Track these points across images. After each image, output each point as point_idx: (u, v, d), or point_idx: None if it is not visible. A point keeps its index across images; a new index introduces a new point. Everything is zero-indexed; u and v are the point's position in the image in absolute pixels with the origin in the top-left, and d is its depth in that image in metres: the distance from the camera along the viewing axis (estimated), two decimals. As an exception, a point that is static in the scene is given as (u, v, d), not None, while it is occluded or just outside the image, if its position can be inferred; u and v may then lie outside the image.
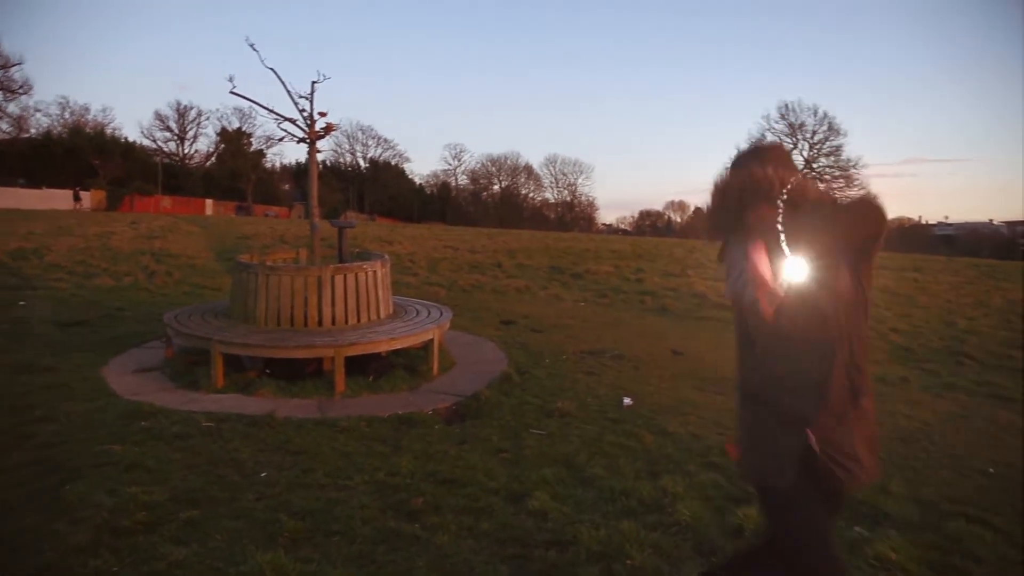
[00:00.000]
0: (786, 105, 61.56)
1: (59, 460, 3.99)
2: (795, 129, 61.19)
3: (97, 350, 6.73)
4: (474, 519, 3.40)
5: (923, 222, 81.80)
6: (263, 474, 3.92)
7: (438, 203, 77.48)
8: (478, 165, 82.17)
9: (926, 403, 6.08)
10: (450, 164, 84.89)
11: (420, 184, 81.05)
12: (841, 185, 60.47)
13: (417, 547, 3.14)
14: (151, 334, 7.46)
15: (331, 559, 3.00)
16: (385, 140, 76.99)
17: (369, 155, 75.90)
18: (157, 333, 7.33)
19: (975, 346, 8.56)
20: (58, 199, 42.24)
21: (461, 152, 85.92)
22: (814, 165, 61.12)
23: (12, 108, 52.45)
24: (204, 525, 3.28)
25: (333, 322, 5.97)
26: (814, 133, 60.70)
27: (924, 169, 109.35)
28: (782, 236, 1.85)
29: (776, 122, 62.09)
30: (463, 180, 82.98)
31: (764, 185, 1.94)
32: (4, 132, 52.56)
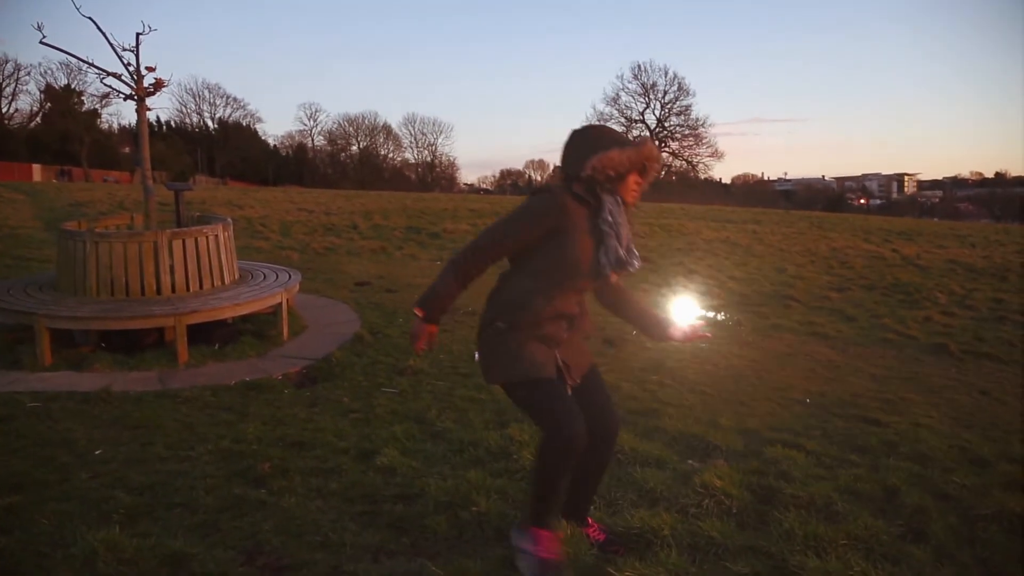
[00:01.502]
0: (639, 66, 63.57)
1: None
2: (647, 89, 63.37)
3: (-99, 332, 6.07)
4: (323, 480, 3.39)
5: (765, 178, 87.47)
6: (97, 451, 3.72)
7: (294, 165, 74.69)
8: (335, 126, 79.66)
9: (756, 343, 6.59)
10: (306, 124, 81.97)
11: (274, 145, 77.72)
12: (691, 143, 63.45)
13: (263, 512, 3.10)
14: (-33, 312, 6.81)
15: (171, 531, 2.91)
16: (235, 99, 73.05)
17: (218, 115, 71.82)
18: (-26, 311, 6.69)
19: (801, 290, 9.33)
20: None
21: (317, 112, 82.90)
22: (666, 124, 63.61)
23: None
24: (28, 510, 3.08)
25: (173, 290, 5.69)
26: (665, 93, 63.13)
27: (766, 128, 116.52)
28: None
29: (629, 82, 64.07)
30: (320, 141, 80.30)
31: (638, 160, 2.43)
32: None
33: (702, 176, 64.98)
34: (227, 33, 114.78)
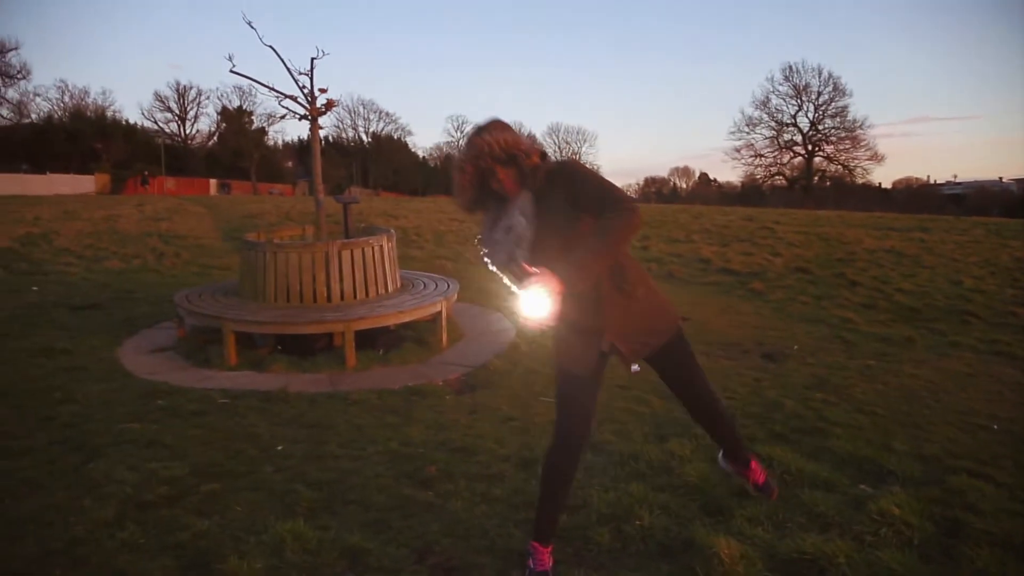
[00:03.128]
0: (790, 66, 60.61)
1: (81, 439, 4.09)
2: (799, 91, 60.37)
3: (111, 332, 6.83)
4: (487, 485, 3.49)
5: (931, 182, 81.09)
6: (279, 447, 4.01)
7: (442, 176, 77.13)
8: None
9: (931, 362, 6.13)
10: (453, 136, 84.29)
11: (424, 157, 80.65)
12: (847, 146, 59.93)
13: (431, 513, 3.23)
14: (162, 315, 7.56)
15: (348, 526, 3.10)
16: (387, 114, 76.32)
17: (371, 129, 75.33)
18: (168, 314, 7.42)
19: (981, 305, 8.59)
20: (61, 184, 42.40)
21: (463, 124, 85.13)
22: (819, 127, 60.46)
23: (11, 94, 52.45)
24: (224, 497, 3.38)
25: (342, 297, 6.05)
26: (819, 94, 59.85)
27: (931, 128, 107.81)
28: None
29: (780, 84, 61.25)
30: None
31: (487, 150, 2.46)
32: (4, 118, 52.58)
33: (860, 181, 61.24)
34: (379, 50, 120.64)
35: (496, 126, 2.54)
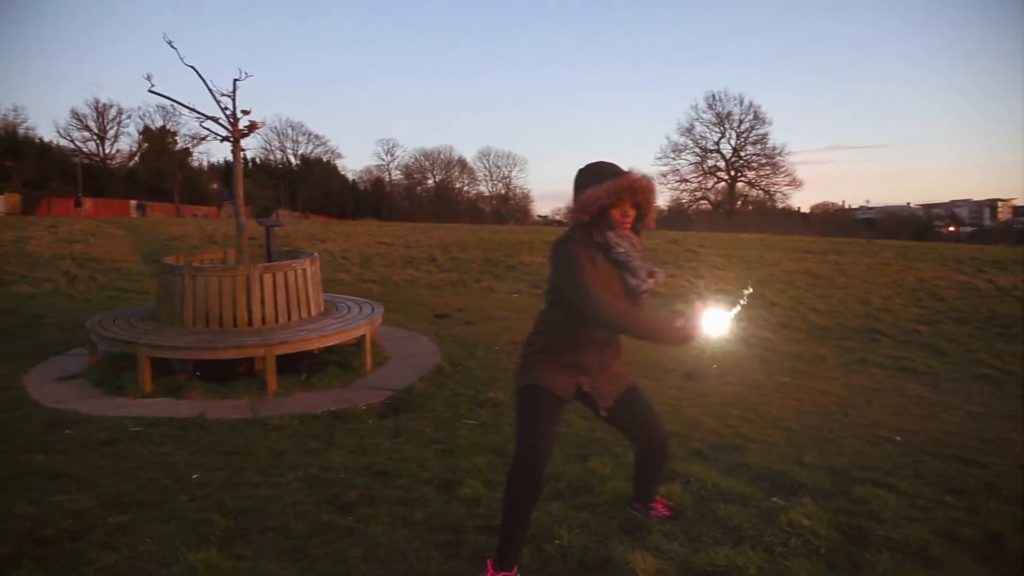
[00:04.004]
0: (713, 95, 62.94)
1: (-22, 473, 3.88)
2: (722, 118, 62.66)
3: (16, 360, 6.52)
4: (408, 509, 3.46)
5: (846, 206, 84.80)
6: (195, 476, 3.90)
7: (372, 199, 76.64)
8: (411, 160, 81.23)
9: (841, 378, 6.40)
10: (383, 159, 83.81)
11: (353, 180, 79.93)
12: (767, 172, 62.31)
13: (351, 539, 3.18)
14: (74, 341, 7.26)
15: (265, 555, 3.03)
16: (316, 136, 75.56)
17: (300, 152, 74.47)
18: (81, 340, 7.12)
19: (888, 323, 9.02)
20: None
21: (394, 147, 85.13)
22: (741, 153, 62.68)
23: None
24: (134, 529, 3.26)
25: (263, 321, 5.93)
26: (741, 122, 62.30)
27: (845, 155, 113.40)
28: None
29: (704, 112, 63.54)
30: (397, 175, 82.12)
31: (648, 197, 2.70)
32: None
33: (780, 205, 63.63)
34: (307, 73, 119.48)
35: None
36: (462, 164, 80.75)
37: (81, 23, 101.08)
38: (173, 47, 6.66)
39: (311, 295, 6.36)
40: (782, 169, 61.98)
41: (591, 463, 4.00)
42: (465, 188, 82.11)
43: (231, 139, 6.54)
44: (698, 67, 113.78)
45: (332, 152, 76.90)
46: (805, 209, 70.75)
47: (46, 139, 57.87)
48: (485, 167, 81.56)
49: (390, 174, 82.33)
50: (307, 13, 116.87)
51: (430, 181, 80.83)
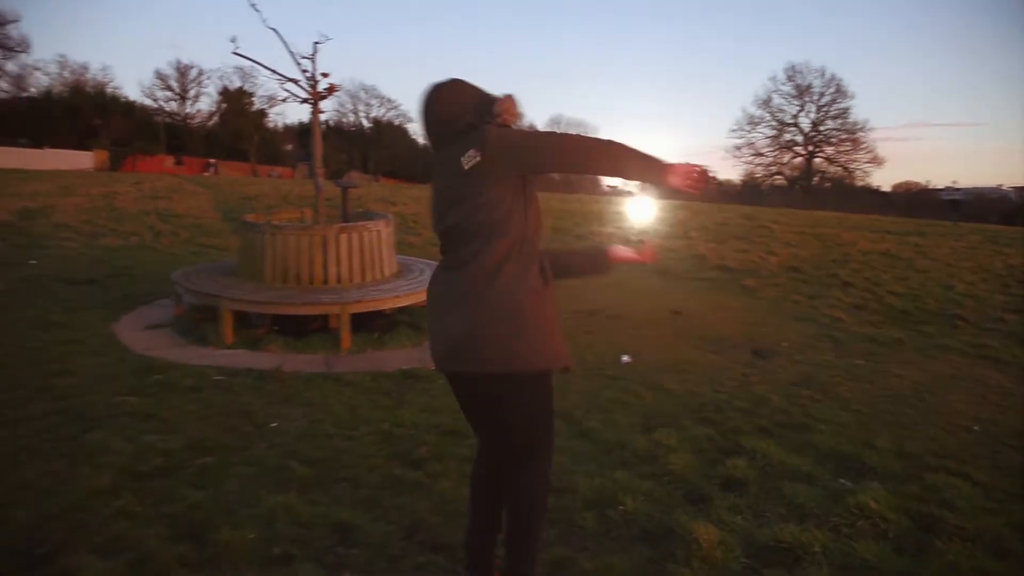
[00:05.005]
0: (793, 67, 60.74)
1: (78, 411, 4.15)
2: (802, 91, 60.45)
3: (107, 307, 6.88)
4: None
5: (930, 187, 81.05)
6: (273, 424, 4.09)
7: (441, 164, 76.91)
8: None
9: (918, 363, 6.22)
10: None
11: (424, 144, 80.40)
12: (848, 148, 60.05)
13: (420, 492, 3.30)
14: (159, 292, 7.61)
15: (339, 502, 3.17)
16: (388, 100, 76.03)
17: (372, 115, 75.17)
18: (165, 291, 7.47)
19: (971, 309, 8.68)
20: (60, 159, 42.35)
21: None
22: (820, 128, 60.52)
23: (11, 67, 52.27)
24: (218, 471, 3.45)
25: (339, 280, 6.11)
26: (821, 95, 59.95)
27: (931, 133, 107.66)
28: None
29: (783, 84, 61.34)
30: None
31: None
32: (4, 91, 52.46)
33: (859, 183, 61.34)
34: (382, 36, 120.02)
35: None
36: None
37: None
38: (256, 10, 6.83)
39: (385, 256, 6.50)
40: (863, 145, 59.60)
41: (656, 434, 4.03)
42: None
43: (310, 101, 6.68)
44: (778, 38, 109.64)
45: (404, 116, 77.44)
46: (886, 188, 67.87)
47: (131, 98, 59.89)
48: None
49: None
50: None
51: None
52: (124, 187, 20.77)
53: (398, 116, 76.13)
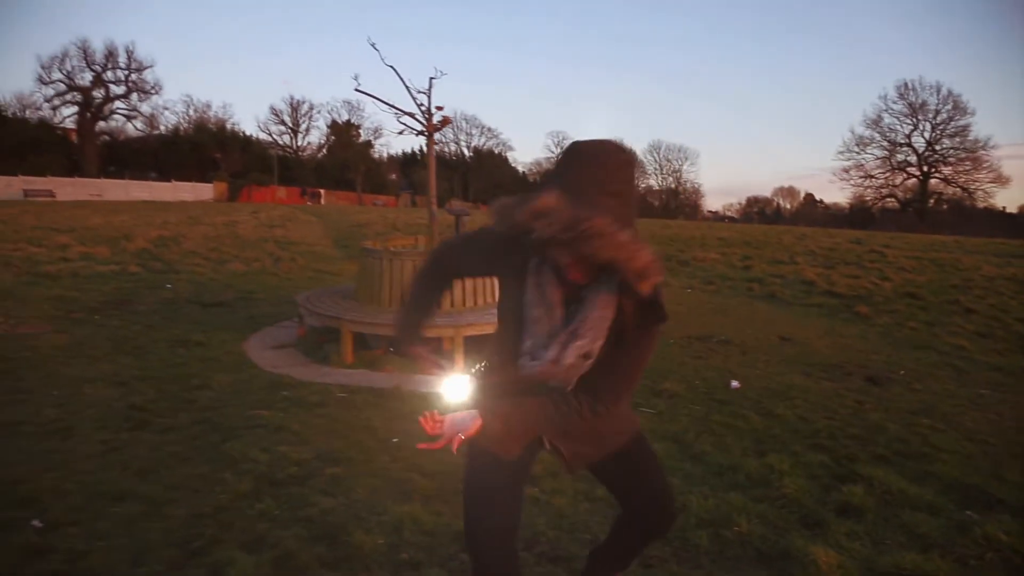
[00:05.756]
0: (905, 84, 58.17)
1: (218, 422, 4.52)
2: (915, 109, 57.81)
3: (237, 328, 7.39)
4: (589, 486, 3.65)
5: (1065, 208, 75.55)
6: (394, 439, 4.31)
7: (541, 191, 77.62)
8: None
9: (1050, 395, 5.90)
10: (552, 152, 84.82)
11: (523, 172, 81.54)
12: (967, 167, 56.86)
13: (537, 508, 3.43)
14: (282, 315, 8.10)
15: (459, 514, 3.32)
16: (488, 129, 77.85)
17: (473, 144, 76.97)
18: (288, 314, 7.97)
19: (1109, 338, 8.13)
20: (185, 191, 45.49)
21: (563, 140, 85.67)
22: (936, 147, 57.61)
23: (145, 108, 56.82)
24: (347, 481, 3.69)
25: (452, 304, 6.36)
26: (937, 113, 57.09)
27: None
28: None
29: (894, 102, 58.90)
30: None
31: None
32: (139, 130, 56.98)
33: (981, 204, 57.89)
34: (482, 67, 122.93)
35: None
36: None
37: (273, 23, 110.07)
38: (376, 49, 7.24)
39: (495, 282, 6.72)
40: (985, 164, 56.21)
41: (768, 458, 4.02)
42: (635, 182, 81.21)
43: (426, 133, 7.02)
44: (886, 54, 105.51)
45: (503, 144, 78.98)
46: (1012, 209, 63.69)
47: (248, 133, 63.73)
48: (655, 160, 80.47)
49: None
50: (484, 10, 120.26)
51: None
52: (243, 216, 22.10)
53: (498, 144, 77.71)
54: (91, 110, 54.21)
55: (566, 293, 1.73)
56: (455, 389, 1.90)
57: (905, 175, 59.79)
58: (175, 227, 17.97)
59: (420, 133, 7.06)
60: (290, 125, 66.75)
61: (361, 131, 66.02)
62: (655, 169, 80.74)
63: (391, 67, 7.14)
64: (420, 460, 3.97)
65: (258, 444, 4.12)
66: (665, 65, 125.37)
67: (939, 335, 8.19)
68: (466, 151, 76.86)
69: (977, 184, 57.11)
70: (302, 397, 5.08)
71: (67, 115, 54.30)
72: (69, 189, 40.64)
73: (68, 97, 53.52)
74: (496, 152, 77.69)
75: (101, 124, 55.86)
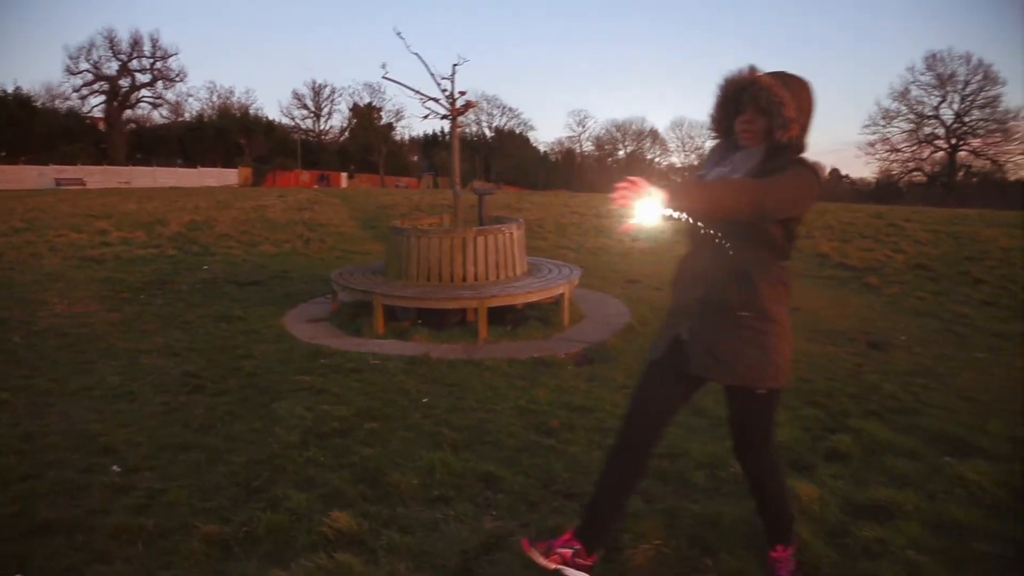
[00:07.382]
0: (933, 55, 56.85)
1: (264, 386, 4.98)
2: (944, 80, 56.38)
3: (274, 304, 7.86)
4: (602, 436, 4.06)
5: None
6: (425, 400, 4.74)
7: (563, 170, 77.76)
8: (603, 131, 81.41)
9: (1045, 357, 6.17)
10: (574, 131, 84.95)
11: (545, 152, 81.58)
12: (997, 139, 55.63)
13: (554, 455, 3.84)
14: (315, 292, 8.57)
15: (486, 460, 3.76)
16: (510, 109, 77.80)
17: (494, 124, 77.04)
18: (320, 291, 8.44)
19: (1115, 306, 8.33)
20: (210, 176, 46.31)
21: (585, 118, 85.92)
22: (965, 119, 56.43)
23: (170, 95, 57.62)
24: (383, 434, 4.13)
25: (476, 278, 6.77)
26: (966, 84, 55.62)
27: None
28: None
29: (922, 74, 57.49)
30: (588, 147, 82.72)
31: (764, 95, 2.26)
32: (164, 117, 57.89)
33: (1012, 177, 56.71)
34: (502, 46, 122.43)
35: (798, 83, 2.34)
36: (654, 135, 79.73)
37: (293, 8, 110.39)
38: (401, 37, 7.60)
39: (517, 256, 7.12)
40: (1016, 135, 54.96)
41: (767, 412, 4.37)
42: (656, 159, 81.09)
43: (450, 117, 7.40)
44: (915, 25, 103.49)
45: (525, 124, 78.90)
46: (1043, 182, 62.43)
47: (271, 118, 64.41)
48: (678, 137, 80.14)
49: (581, 145, 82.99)
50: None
51: (621, 152, 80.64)
52: (271, 200, 22.65)
53: (519, 124, 77.64)
54: (118, 99, 55.25)
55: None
56: (649, 212, 2.07)
57: (932, 148, 58.80)
58: (206, 212, 18.55)
59: (444, 117, 7.43)
60: (312, 109, 67.40)
61: (382, 113, 66.54)
62: (677, 146, 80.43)
63: (416, 54, 7.50)
64: (448, 417, 4.40)
65: (302, 404, 4.58)
66: (686, 39, 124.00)
67: (944, 304, 8.45)
68: (487, 131, 76.93)
69: (1008, 156, 55.95)
70: (339, 364, 5.52)
71: (95, 104, 55.57)
72: (99, 177, 41.68)
73: (96, 87, 54.70)
74: (517, 132, 77.65)
75: (128, 112, 57.03)
